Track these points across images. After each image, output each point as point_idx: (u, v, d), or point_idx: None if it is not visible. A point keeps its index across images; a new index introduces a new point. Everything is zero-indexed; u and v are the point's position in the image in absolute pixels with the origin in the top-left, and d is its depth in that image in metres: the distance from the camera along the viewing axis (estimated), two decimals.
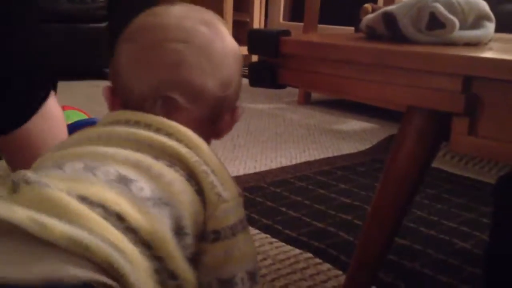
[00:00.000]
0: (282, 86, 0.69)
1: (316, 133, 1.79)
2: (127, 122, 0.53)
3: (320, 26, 2.18)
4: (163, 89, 0.54)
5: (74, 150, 0.50)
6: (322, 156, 1.53)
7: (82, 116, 1.34)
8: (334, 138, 1.73)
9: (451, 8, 0.67)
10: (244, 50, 2.91)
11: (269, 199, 1.16)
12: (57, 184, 0.44)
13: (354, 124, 1.95)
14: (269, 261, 0.88)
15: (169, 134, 0.51)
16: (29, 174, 0.44)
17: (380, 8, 0.84)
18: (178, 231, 0.46)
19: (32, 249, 0.39)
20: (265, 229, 1.00)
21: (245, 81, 2.26)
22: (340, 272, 0.85)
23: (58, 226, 0.40)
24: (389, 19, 0.68)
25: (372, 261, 0.66)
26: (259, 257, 0.89)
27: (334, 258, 0.90)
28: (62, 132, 0.87)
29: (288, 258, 0.89)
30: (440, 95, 0.58)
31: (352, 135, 1.79)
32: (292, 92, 2.52)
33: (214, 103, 0.56)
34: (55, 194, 0.42)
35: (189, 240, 0.47)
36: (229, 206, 0.51)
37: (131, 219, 0.43)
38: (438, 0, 0.67)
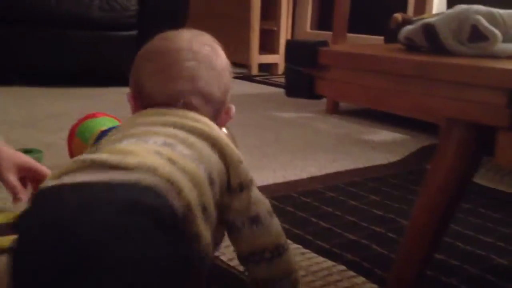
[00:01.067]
0: (319, 97, 0.69)
1: (346, 143, 1.78)
2: (159, 114, 0.69)
3: (348, 35, 2.17)
4: (181, 97, 0.71)
5: (127, 132, 0.66)
6: (352, 166, 1.52)
7: (115, 122, 1.35)
8: (364, 149, 1.72)
9: (492, 20, 0.66)
10: (271, 58, 2.95)
11: (299, 209, 1.15)
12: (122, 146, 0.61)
13: (384, 134, 1.94)
14: (302, 272, 0.87)
15: (193, 120, 0.68)
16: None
17: (410, 17, 0.83)
18: (210, 181, 0.62)
19: (115, 172, 0.55)
20: (296, 239, 1.00)
21: (275, 90, 2.27)
22: (375, 286, 0.84)
23: (132, 159, 0.57)
24: (429, 31, 0.67)
25: (411, 277, 0.65)
26: None
27: (368, 271, 0.89)
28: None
29: (321, 270, 0.88)
30: (484, 108, 0.57)
31: (383, 145, 1.77)
32: (320, 101, 2.51)
33: (217, 105, 0.75)
34: (126, 147, 0.61)
35: (216, 189, 0.63)
36: (244, 165, 0.71)
37: (180, 161, 0.59)
38: (480, 11, 0.66)
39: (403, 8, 2.73)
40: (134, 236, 0.50)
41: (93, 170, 0.57)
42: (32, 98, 2.14)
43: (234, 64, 3.64)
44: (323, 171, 1.45)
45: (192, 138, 0.65)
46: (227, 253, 0.92)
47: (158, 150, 0.60)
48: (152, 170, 0.56)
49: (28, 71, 2.42)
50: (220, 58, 0.78)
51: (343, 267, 0.90)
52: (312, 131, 1.94)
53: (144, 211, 0.51)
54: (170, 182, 0.56)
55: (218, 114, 0.76)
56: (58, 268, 0.48)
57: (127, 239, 0.50)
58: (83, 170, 0.57)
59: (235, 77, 3.20)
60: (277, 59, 3.43)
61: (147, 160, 0.57)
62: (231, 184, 0.68)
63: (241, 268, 0.88)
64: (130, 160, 0.57)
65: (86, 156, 0.58)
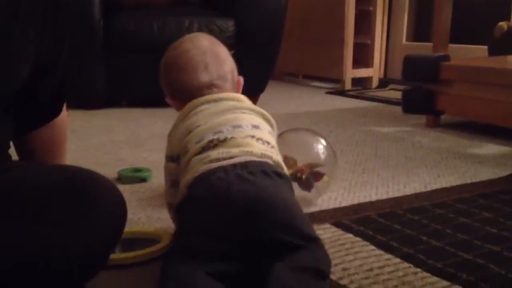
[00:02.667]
0: (439, 113, 0.67)
1: (450, 157, 1.71)
2: (215, 100, 0.96)
3: (449, 45, 2.10)
4: (207, 83, 0.99)
5: (219, 120, 0.92)
6: (458, 182, 1.45)
7: None
8: (470, 163, 1.64)
9: None
10: (364, 72, 2.92)
11: (407, 227, 1.12)
12: (234, 136, 0.89)
13: (491, 148, 1.84)
14: None
15: (240, 100, 0.98)
16: (220, 136, 0.89)
17: None
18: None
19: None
20: (407, 258, 0.97)
21: (370, 104, 2.23)
22: None
23: (252, 150, 0.87)
24: None
25: None
26: (404, 287, 0.86)
27: None
28: (64, 139, 1.06)
29: None
30: None
31: (490, 159, 1.69)
32: (419, 115, 2.43)
33: (231, 81, 1.02)
34: (240, 141, 0.88)
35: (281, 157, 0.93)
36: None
37: (271, 142, 0.93)
38: None
39: (507, 16, 2.59)
40: (283, 184, 0.85)
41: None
42: (137, 119, 2.26)
43: (327, 79, 3.64)
44: (428, 187, 1.40)
45: (259, 119, 0.96)
46: (336, 272, 0.92)
47: (259, 135, 0.91)
48: (276, 162, 0.88)
49: (134, 94, 2.55)
50: (221, 47, 1.04)
51: (459, 287, 0.86)
52: (412, 145, 1.88)
53: (282, 174, 0.87)
54: (278, 165, 0.89)
55: (234, 89, 1.03)
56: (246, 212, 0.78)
57: (281, 186, 0.85)
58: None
59: (328, 92, 3.20)
60: (371, 72, 3.38)
61: (274, 157, 0.89)
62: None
63: (351, 286, 0.86)
64: (256, 151, 0.87)
65: (233, 151, 0.86)
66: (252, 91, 2.48)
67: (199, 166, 0.85)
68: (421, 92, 0.56)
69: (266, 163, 0.86)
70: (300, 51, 3.48)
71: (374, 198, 1.32)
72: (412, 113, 0.63)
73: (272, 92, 2.95)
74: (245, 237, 0.78)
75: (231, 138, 0.88)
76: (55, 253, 0.68)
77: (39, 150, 0.99)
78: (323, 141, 1.30)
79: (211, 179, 0.82)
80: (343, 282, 0.88)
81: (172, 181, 0.96)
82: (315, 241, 0.81)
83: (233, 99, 0.97)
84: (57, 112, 0.98)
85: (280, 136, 1.31)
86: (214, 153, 0.86)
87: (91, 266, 0.74)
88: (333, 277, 0.89)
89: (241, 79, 1.06)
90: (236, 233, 0.78)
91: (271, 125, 0.98)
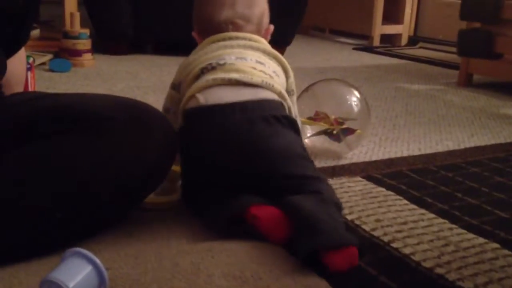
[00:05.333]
0: (498, 56, 0.63)
1: (483, 117, 1.67)
2: (230, 38, 0.95)
3: None
4: (229, 20, 0.97)
5: (225, 52, 0.92)
6: (492, 141, 1.41)
7: None
8: (504, 123, 1.59)
9: None
10: (394, 28, 2.84)
11: (442, 183, 1.09)
12: (234, 62, 0.90)
13: None
14: (451, 248, 0.82)
15: (258, 41, 0.96)
16: (219, 61, 0.90)
17: None
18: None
19: (241, 88, 0.86)
20: (442, 214, 0.95)
21: (399, 61, 2.19)
22: None
23: (252, 79, 0.87)
24: None
25: None
26: (440, 242, 0.84)
27: None
28: (23, 71, 1.04)
29: (473, 247, 0.83)
30: None
31: None
32: (450, 74, 2.37)
33: (256, 25, 0.99)
34: (239, 67, 0.89)
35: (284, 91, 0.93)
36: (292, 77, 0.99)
37: (274, 75, 0.92)
38: None
39: None
40: (280, 132, 0.84)
41: (232, 87, 0.86)
42: (162, 66, 2.22)
43: (354, 35, 3.55)
44: (462, 146, 1.37)
45: (267, 59, 0.94)
46: (368, 222, 0.90)
47: (260, 68, 0.90)
48: (279, 93, 0.89)
49: (160, 38, 2.49)
50: None
51: (496, 245, 0.84)
52: (444, 104, 1.83)
53: (281, 118, 0.85)
54: (281, 95, 0.90)
55: (260, 33, 0.99)
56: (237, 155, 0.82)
57: (279, 134, 0.84)
58: (224, 87, 0.86)
59: (355, 48, 3.13)
60: (401, 29, 3.28)
61: (276, 87, 0.89)
62: (288, 90, 0.96)
63: (384, 238, 0.85)
64: (256, 79, 0.87)
65: (224, 76, 0.86)
66: (278, 43, 2.43)
67: (196, 90, 0.86)
68: (480, 33, 0.52)
69: (267, 103, 0.86)
70: (328, 4, 3.39)
71: (406, 153, 1.29)
72: (468, 56, 0.59)
73: (298, 45, 2.88)
74: (247, 182, 0.83)
75: (231, 63, 0.89)
76: (121, 172, 0.76)
77: (8, 83, 0.96)
78: (356, 93, 1.26)
79: (208, 121, 0.83)
80: (376, 233, 0.86)
81: (165, 109, 0.98)
82: (317, 179, 0.85)
83: (248, 39, 0.95)
84: (28, 38, 0.95)
85: (310, 87, 1.28)
86: (210, 77, 0.87)
87: (151, 185, 0.82)
88: (366, 227, 0.88)
89: (272, 27, 1.03)
90: (239, 177, 0.83)
91: (285, 71, 0.96)
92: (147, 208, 0.88)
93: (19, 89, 1.03)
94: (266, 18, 1.02)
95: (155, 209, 0.89)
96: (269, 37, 1.03)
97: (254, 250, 0.78)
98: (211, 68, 0.89)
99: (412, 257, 0.80)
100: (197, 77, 0.89)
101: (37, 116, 0.81)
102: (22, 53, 1.01)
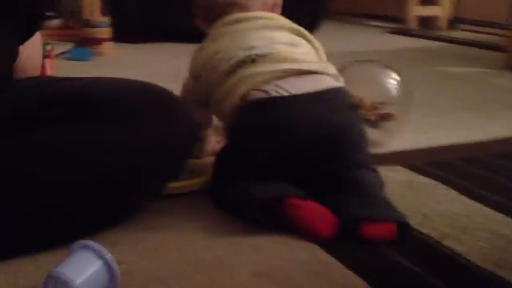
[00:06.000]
0: None
1: None
2: (241, 20, 0.88)
3: None
4: (234, 1, 0.90)
5: (251, 38, 0.85)
6: None
7: None
8: None
9: None
10: (431, 10, 2.65)
11: (495, 173, 0.97)
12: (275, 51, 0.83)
13: None
14: None
15: (274, 19, 0.90)
16: (255, 51, 0.83)
17: None
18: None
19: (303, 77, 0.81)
20: (498, 207, 0.83)
21: (438, 44, 1.98)
22: None
23: (309, 65, 0.82)
24: None
25: None
26: (500, 240, 0.73)
27: None
28: (39, 56, 0.98)
29: None
30: None
31: None
32: (495, 56, 2.21)
33: (262, 2, 0.92)
34: (286, 55, 0.82)
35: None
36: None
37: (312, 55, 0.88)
38: None
39: None
40: (357, 122, 0.82)
41: (297, 77, 0.80)
42: (178, 55, 2.13)
43: (388, 18, 3.38)
44: None
45: (297, 38, 0.88)
46: (414, 217, 0.79)
47: (300, 52, 0.85)
48: (335, 75, 0.85)
49: (175, 29, 2.41)
50: None
51: None
52: (491, 87, 1.69)
53: (353, 106, 0.83)
54: (336, 77, 0.85)
55: (267, 9, 0.92)
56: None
57: (355, 123, 0.81)
58: (289, 78, 0.80)
59: (389, 32, 2.98)
60: (439, 11, 3.11)
61: (330, 68, 0.85)
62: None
63: (434, 234, 0.73)
64: (313, 65, 0.83)
65: (278, 67, 0.80)
66: (305, 28, 2.32)
67: (248, 85, 0.79)
68: None
69: (340, 92, 0.82)
70: None
71: (452, 141, 1.17)
72: None
73: (328, 31, 2.75)
74: (306, 174, 0.78)
75: (272, 53, 0.82)
76: (138, 160, 0.70)
77: (21, 67, 0.89)
78: (395, 75, 1.14)
79: (287, 111, 0.77)
80: (424, 229, 0.75)
81: (199, 101, 0.90)
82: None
83: (266, 18, 0.90)
84: (43, 22, 0.89)
85: (343, 70, 1.16)
86: (260, 69, 0.80)
87: (171, 174, 0.77)
88: (412, 222, 0.76)
89: (279, 2, 0.95)
90: (299, 166, 0.78)
91: (311, 43, 0.90)
92: (169, 194, 0.81)
93: (35, 73, 0.98)
94: None
95: (177, 193, 0.83)
96: (279, 10, 0.95)
97: (285, 247, 0.70)
98: (250, 60, 0.82)
99: (467, 256, 0.68)
100: (233, 71, 0.82)
101: (47, 101, 0.76)
102: (37, 37, 0.95)
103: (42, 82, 0.82)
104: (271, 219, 0.72)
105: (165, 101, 0.75)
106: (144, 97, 0.74)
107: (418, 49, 2.43)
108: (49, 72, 1.38)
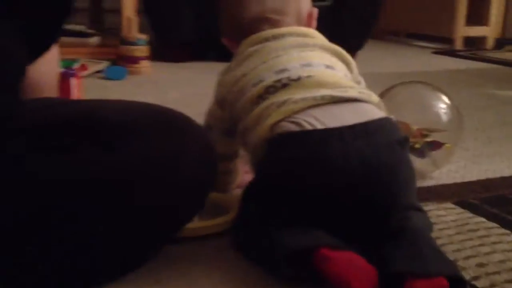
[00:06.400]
0: None
1: None
2: (275, 37, 0.78)
3: None
4: (261, 14, 0.80)
5: (282, 58, 0.75)
6: None
7: None
8: None
9: None
10: (479, 30, 2.52)
11: None
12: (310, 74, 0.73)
13: None
14: None
15: (310, 36, 0.81)
16: (287, 74, 0.73)
17: None
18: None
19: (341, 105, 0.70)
20: None
21: (487, 65, 1.85)
22: None
23: (348, 92, 0.71)
24: None
25: None
26: None
27: None
28: (54, 74, 0.92)
29: None
30: None
31: None
32: None
33: (296, 13, 0.82)
34: (322, 78, 0.72)
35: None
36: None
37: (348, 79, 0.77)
38: None
39: None
40: (405, 161, 0.69)
41: (331, 106, 0.69)
42: None
43: (434, 38, 3.26)
44: None
45: (332, 58, 0.78)
46: (468, 267, 0.68)
47: (339, 76, 0.75)
48: (377, 103, 0.73)
49: (223, 47, 2.36)
50: None
51: None
52: None
53: (403, 142, 0.69)
54: (379, 105, 0.74)
55: (302, 23, 0.83)
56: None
57: (404, 162, 0.69)
58: (321, 107, 0.68)
59: (435, 52, 2.86)
60: (487, 31, 2.98)
61: (373, 96, 0.73)
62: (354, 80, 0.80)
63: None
64: (351, 92, 0.71)
65: (311, 94, 0.69)
66: (350, 48, 2.23)
67: (277, 114, 0.69)
68: None
69: (387, 124, 0.69)
70: (405, 5, 3.13)
71: (506, 173, 1.06)
72: None
73: (372, 50, 2.66)
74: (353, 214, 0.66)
75: (307, 76, 0.71)
76: (146, 194, 0.61)
77: (35, 85, 0.83)
78: (445, 99, 1.04)
79: (324, 148, 0.65)
80: (481, 284, 0.65)
81: (225, 130, 0.81)
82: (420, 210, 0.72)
83: (299, 35, 0.79)
84: (58, 37, 0.81)
85: (387, 92, 1.07)
86: (292, 96, 0.69)
87: (186, 212, 0.67)
88: (465, 274, 0.66)
89: (315, 11, 0.85)
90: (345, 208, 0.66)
91: (347, 65, 0.80)
92: (185, 237, 0.71)
93: (52, 94, 0.92)
94: (305, 2, 0.84)
95: (192, 238, 0.72)
96: (315, 22, 0.85)
97: None
98: (282, 85, 0.72)
99: None
100: (262, 97, 0.72)
101: (50, 126, 0.67)
102: (53, 54, 0.89)
103: (47, 106, 0.74)
104: (299, 273, 0.62)
105: (177, 124, 0.66)
106: (155, 120, 0.65)
107: (465, 71, 2.30)
108: (74, 92, 1.32)
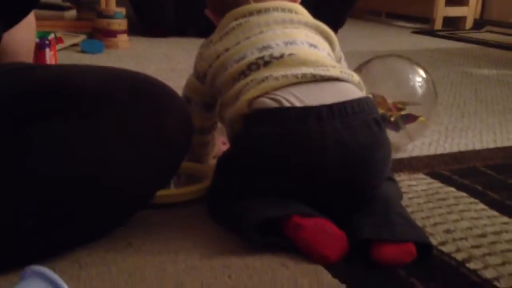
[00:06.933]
0: None
1: None
2: (259, 11, 0.76)
3: None
4: None
5: (266, 35, 0.74)
6: None
7: None
8: None
9: None
10: (458, 11, 2.53)
11: None
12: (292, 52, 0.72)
13: None
14: None
15: (295, 11, 0.78)
16: (270, 51, 0.71)
17: None
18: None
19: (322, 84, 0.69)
20: None
21: (465, 45, 1.86)
22: None
23: (330, 71, 0.70)
24: None
25: None
26: None
27: None
28: (31, 42, 0.89)
29: None
30: None
31: None
32: None
33: None
34: (305, 57, 0.71)
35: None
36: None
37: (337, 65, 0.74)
38: None
39: None
40: (382, 141, 0.68)
41: (311, 84, 0.68)
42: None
43: (413, 18, 3.27)
44: None
45: (316, 37, 0.77)
46: (436, 233, 0.70)
47: (321, 54, 0.74)
48: (358, 83, 0.72)
49: (203, 22, 2.34)
50: None
51: None
52: None
53: (380, 122, 0.68)
54: (360, 85, 0.73)
55: None
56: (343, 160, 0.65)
57: (380, 142, 0.67)
58: (301, 85, 0.68)
59: (414, 32, 2.87)
60: (466, 11, 3.00)
61: (354, 75, 0.72)
62: (335, 57, 0.80)
63: (458, 255, 0.65)
64: (333, 71, 0.70)
65: (293, 71, 0.68)
66: (330, 25, 2.23)
67: (256, 90, 0.67)
68: None
69: (364, 104, 0.67)
70: None
71: (478, 146, 1.07)
72: None
73: (352, 29, 2.66)
74: (325, 194, 0.67)
75: (290, 54, 0.70)
76: (130, 167, 0.61)
77: (13, 53, 0.82)
78: (421, 71, 1.04)
79: (301, 126, 0.64)
80: (447, 249, 0.66)
81: (204, 103, 0.80)
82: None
83: (284, 10, 0.78)
84: (35, 4, 0.80)
85: (364, 66, 1.07)
86: (274, 73, 0.68)
87: (160, 180, 0.67)
88: (433, 240, 0.67)
89: None
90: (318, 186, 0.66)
91: (330, 42, 0.79)
92: (156, 204, 0.72)
93: (28, 61, 0.90)
94: None
95: (166, 205, 0.73)
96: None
97: (285, 271, 0.60)
98: (264, 63, 0.70)
99: (496, 283, 0.59)
100: (243, 73, 0.71)
101: (23, 93, 0.65)
102: (30, 22, 0.87)
103: (16, 69, 0.71)
104: (271, 240, 0.63)
105: (154, 92, 0.65)
106: (132, 90, 0.64)
107: (444, 50, 2.32)
108: (48, 63, 1.31)
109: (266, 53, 0.71)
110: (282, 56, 0.71)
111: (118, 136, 0.61)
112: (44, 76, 0.68)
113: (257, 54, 0.71)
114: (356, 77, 0.72)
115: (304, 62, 0.70)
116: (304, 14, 0.80)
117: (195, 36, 2.31)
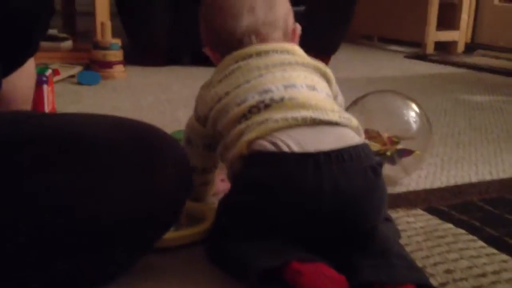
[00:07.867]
0: None
1: None
2: (259, 53, 0.78)
3: None
4: (253, 27, 0.79)
5: (266, 78, 0.75)
6: None
7: None
8: None
9: None
10: (449, 35, 2.56)
11: None
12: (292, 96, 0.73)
13: None
14: None
15: (292, 53, 0.80)
16: (272, 96, 0.73)
17: None
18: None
19: (320, 128, 0.70)
20: None
21: (457, 70, 1.88)
22: None
23: (329, 115, 0.71)
24: None
25: None
26: None
27: None
28: (31, 88, 0.92)
29: None
30: None
31: None
32: None
33: (283, 29, 0.82)
34: (305, 100, 0.72)
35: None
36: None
37: (336, 107, 0.75)
38: None
39: None
40: (378, 188, 0.69)
41: (309, 128, 0.69)
42: (198, 78, 2.07)
43: (405, 42, 3.30)
44: None
45: (316, 77, 0.78)
46: (436, 274, 0.70)
47: (319, 98, 0.74)
48: (356, 128, 0.73)
49: (198, 51, 2.36)
50: None
51: None
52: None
53: (377, 169, 0.69)
54: (358, 130, 0.74)
55: (287, 37, 0.82)
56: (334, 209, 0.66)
57: (376, 189, 0.69)
58: (301, 128, 0.69)
59: (407, 57, 2.90)
60: (457, 36, 3.04)
61: (353, 120, 0.73)
62: (332, 95, 0.81)
63: None
64: (332, 115, 0.71)
65: (293, 114, 0.70)
66: (324, 51, 2.25)
67: (255, 133, 0.69)
68: None
69: (360, 150, 0.69)
70: (377, 10, 3.18)
71: (474, 179, 1.08)
72: None
73: (345, 54, 2.69)
74: (321, 234, 0.68)
75: (290, 98, 0.72)
76: (121, 210, 0.61)
77: (12, 99, 0.83)
78: (414, 107, 1.06)
79: (298, 172, 0.66)
80: None
81: (206, 145, 0.83)
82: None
83: (282, 52, 0.79)
84: (36, 50, 0.81)
85: (359, 100, 1.09)
86: (273, 116, 0.70)
87: (160, 226, 0.67)
88: (434, 282, 0.68)
89: (298, 27, 0.85)
90: (314, 231, 0.68)
91: (327, 80, 0.81)
92: (163, 247, 0.72)
93: (26, 107, 0.91)
94: (291, 18, 0.84)
95: (173, 246, 0.74)
96: (297, 38, 0.85)
97: None
98: (264, 106, 0.72)
99: None
100: (245, 117, 0.72)
101: (18, 143, 0.65)
102: (30, 66, 0.88)
103: (11, 121, 0.70)
104: (275, 286, 0.62)
105: (151, 141, 0.66)
106: (128, 138, 0.65)
107: (436, 75, 2.35)
108: (48, 99, 1.31)
109: (266, 96, 0.73)
110: (282, 99, 0.72)
111: (120, 188, 0.61)
112: (47, 125, 0.68)
113: (258, 98, 0.73)
114: (354, 122, 0.74)
115: (303, 106, 0.71)
116: (300, 54, 0.81)
117: (190, 65, 2.34)
